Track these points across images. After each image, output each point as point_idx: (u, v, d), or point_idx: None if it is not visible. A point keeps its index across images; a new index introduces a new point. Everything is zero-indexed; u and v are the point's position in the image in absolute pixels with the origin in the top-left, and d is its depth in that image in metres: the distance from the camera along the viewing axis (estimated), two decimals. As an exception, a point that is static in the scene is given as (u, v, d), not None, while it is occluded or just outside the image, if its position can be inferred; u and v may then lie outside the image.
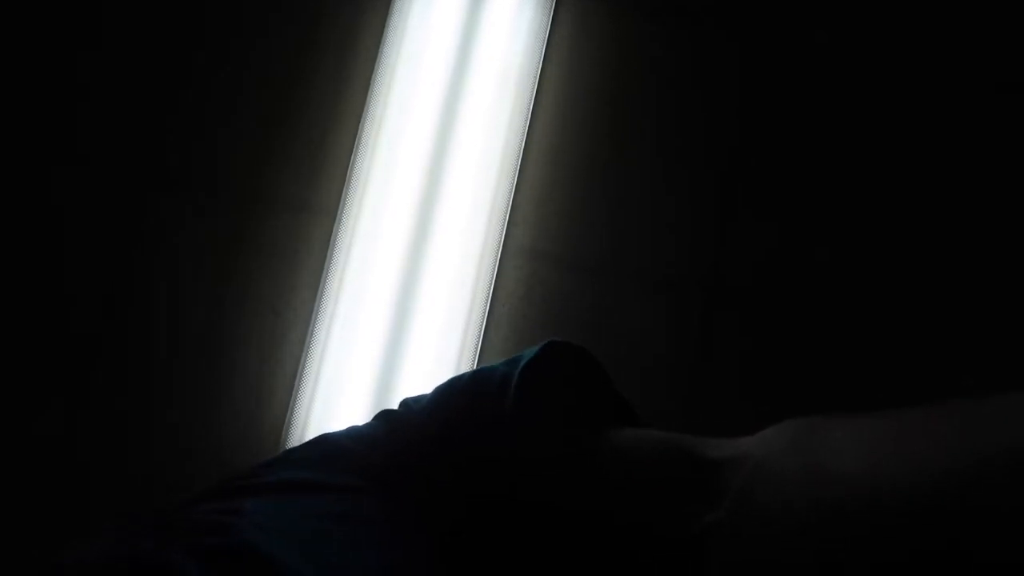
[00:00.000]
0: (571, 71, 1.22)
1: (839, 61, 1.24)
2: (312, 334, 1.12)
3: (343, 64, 1.21)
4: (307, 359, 1.11)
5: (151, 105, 1.20)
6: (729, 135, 1.22)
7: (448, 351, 1.11)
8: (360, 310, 1.10)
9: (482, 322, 1.14)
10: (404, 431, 0.60)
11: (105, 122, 1.19)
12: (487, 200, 1.16)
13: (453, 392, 0.62)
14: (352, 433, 0.61)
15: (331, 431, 0.64)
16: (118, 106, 1.19)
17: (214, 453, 1.12)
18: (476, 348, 1.13)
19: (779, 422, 0.48)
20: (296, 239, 1.17)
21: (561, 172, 1.20)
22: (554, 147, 1.21)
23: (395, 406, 0.65)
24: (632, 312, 1.18)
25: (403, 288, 1.12)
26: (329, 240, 1.14)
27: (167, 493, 1.09)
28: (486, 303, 1.14)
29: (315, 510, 0.52)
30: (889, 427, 0.43)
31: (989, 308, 1.17)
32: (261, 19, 1.22)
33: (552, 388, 0.60)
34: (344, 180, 1.15)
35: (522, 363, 0.59)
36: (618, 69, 1.23)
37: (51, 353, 1.14)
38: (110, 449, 1.12)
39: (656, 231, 1.19)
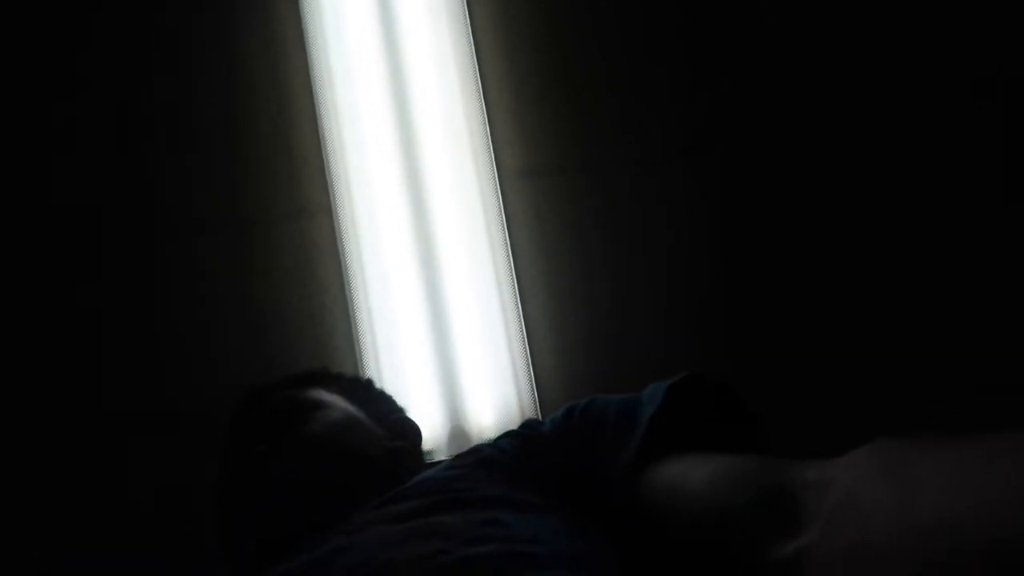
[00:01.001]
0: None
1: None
2: (356, 325, 1.13)
3: (277, 56, 1.18)
4: (361, 343, 1.13)
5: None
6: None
7: (486, 291, 1.13)
8: (391, 295, 1.11)
9: (507, 250, 1.14)
10: (535, 455, 0.68)
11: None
12: (463, 132, 1.15)
13: (570, 428, 0.68)
14: (499, 450, 0.69)
15: (480, 443, 0.74)
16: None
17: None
18: (512, 281, 1.14)
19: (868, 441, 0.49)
20: (304, 243, 1.17)
21: (523, 87, 1.19)
22: (508, 64, 1.19)
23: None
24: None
25: (423, 251, 1.12)
26: (334, 236, 1.14)
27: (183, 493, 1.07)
28: (503, 230, 1.15)
29: (547, 525, 0.58)
30: (976, 457, 0.43)
31: (964, 302, 1.14)
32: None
33: (674, 439, 0.65)
34: (324, 174, 1.14)
35: (645, 417, 0.64)
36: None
37: (51, 352, 1.13)
38: (115, 447, 1.11)
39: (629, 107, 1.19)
